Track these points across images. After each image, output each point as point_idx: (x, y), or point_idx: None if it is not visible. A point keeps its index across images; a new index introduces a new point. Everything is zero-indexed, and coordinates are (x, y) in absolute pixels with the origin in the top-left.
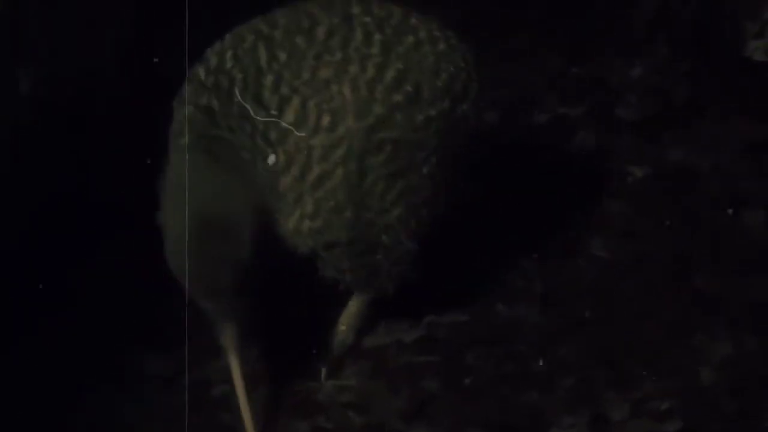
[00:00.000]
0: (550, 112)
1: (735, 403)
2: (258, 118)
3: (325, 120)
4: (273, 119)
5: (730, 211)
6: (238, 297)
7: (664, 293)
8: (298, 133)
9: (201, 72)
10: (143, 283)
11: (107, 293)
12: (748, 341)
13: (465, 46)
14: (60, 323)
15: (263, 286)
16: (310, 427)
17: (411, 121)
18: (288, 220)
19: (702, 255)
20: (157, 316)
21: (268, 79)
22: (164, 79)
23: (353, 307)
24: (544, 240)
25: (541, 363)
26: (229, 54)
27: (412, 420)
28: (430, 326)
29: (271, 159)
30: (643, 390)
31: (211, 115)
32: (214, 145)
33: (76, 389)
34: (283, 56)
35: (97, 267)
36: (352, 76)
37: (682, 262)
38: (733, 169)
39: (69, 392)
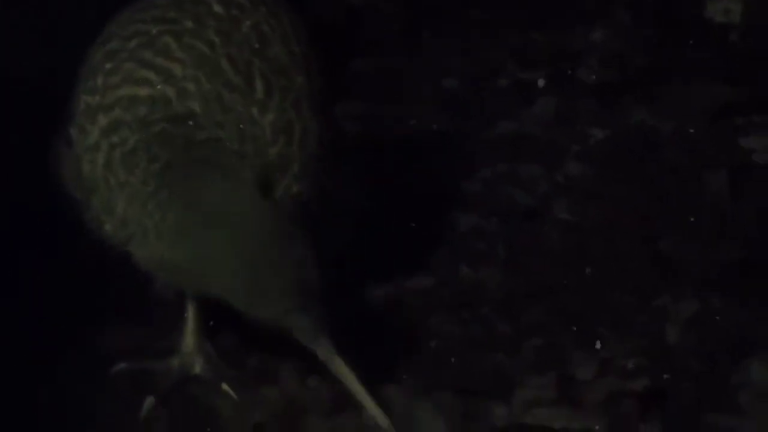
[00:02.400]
0: (510, 77)
1: (701, 362)
2: None
3: None
4: None
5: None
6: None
7: (628, 255)
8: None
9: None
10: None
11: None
12: (713, 301)
13: None
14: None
15: None
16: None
17: None
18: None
19: (666, 217)
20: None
21: None
22: None
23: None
24: (507, 203)
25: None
26: None
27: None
28: (395, 291)
29: None
30: (609, 350)
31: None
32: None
33: (40, 364)
34: None
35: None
36: None
37: (646, 224)
38: (694, 132)
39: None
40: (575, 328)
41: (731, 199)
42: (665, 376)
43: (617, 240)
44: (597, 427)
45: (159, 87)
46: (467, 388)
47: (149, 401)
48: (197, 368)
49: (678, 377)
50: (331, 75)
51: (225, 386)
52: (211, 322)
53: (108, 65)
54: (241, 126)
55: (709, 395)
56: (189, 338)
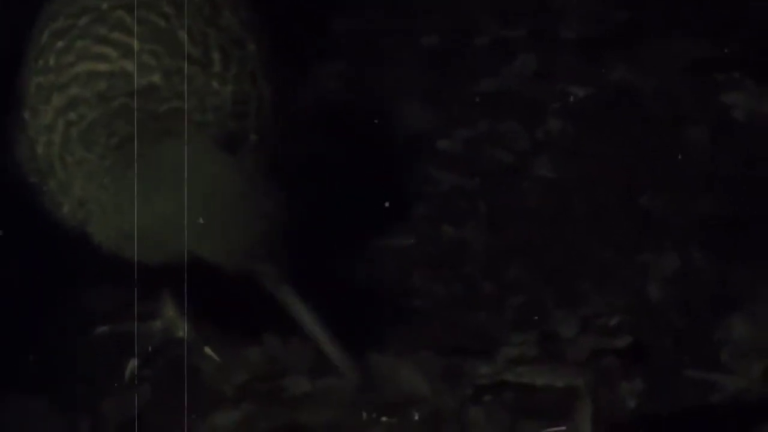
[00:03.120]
0: (490, 35)
1: (683, 318)
2: None
3: None
4: None
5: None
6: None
7: (610, 211)
8: None
9: None
10: None
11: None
12: (694, 257)
13: None
14: None
15: None
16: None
17: None
18: None
19: (647, 173)
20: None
21: None
22: None
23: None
24: (488, 161)
25: None
26: None
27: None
28: (377, 249)
29: None
30: (591, 307)
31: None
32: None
33: (22, 327)
34: None
35: None
36: None
37: (627, 180)
38: (675, 88)
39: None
40: (557, 286)
41: (712, 155)
42: (647, 332)
43: (598, 197)
44: (579, 384)
45: (118, 62)
46: (449, 346)
47: (132, 364)
48: (180, 331)
49: (660, 334)
50: (308, 36)
51: (207, 348)
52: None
53: (59, 44)
54: (204, 98)
55: (691, 351)
56: (171, 301)
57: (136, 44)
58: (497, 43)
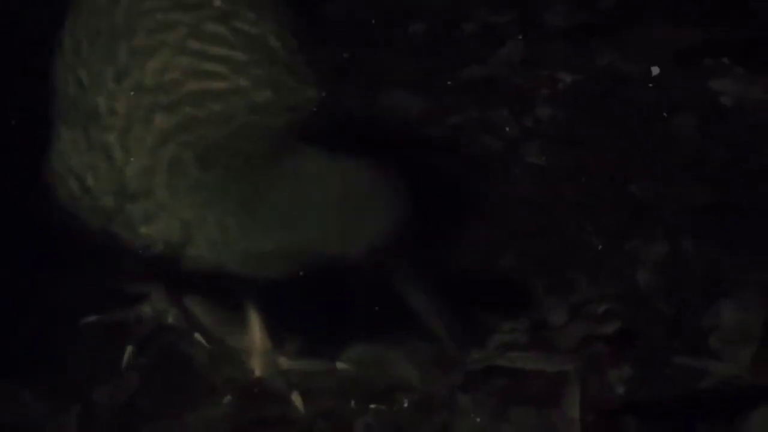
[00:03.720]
0: (479, 21)
1: (672, 305)
2: None
3: None
4: None
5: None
6: None
7: (599, 198)
8: None
9: None
10: None
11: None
12: (683, 244)
13: None
14: None
15: None
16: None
17: None
18: None
19: (636, 160)
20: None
21: None
22: None
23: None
24: (478, 148)
25: None
26: None
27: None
28: None
29: None
30: (581, 294)
31: None
32: None
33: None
34: None
35: None
36: None
37: (616, 167)
38: (664, 74)
39: None
40: (547, 273)
41: (701, 142)
42: (636, 319)
43: (587, 184)
44: (568, 370)
45: (232, 78)
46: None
47: (129, 351)
48: (170, 317)
49: (649, 320)
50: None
51: (197, 336)
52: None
53: (152, 62)
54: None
55: (680, 338)
56: (160, 289)
57: (241, 56)
58: (486, 30)
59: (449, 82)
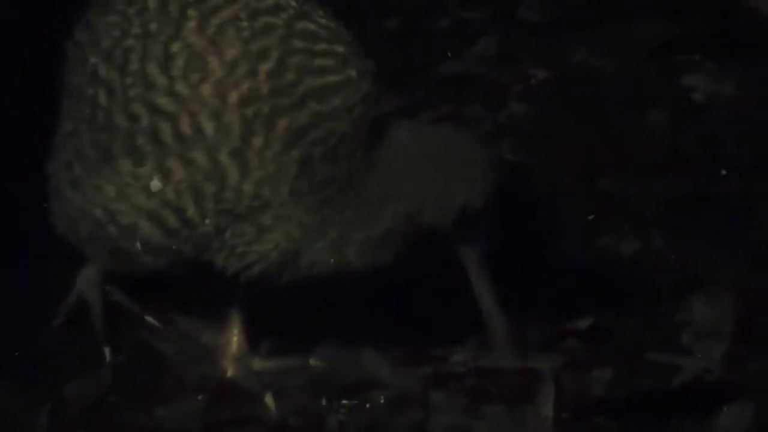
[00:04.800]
0: (452, 17)
1: (644, 300)
2: None
3: None
4: None
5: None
6: None
7: (571, 194)
8: None
9: None
10: None
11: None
12: (655, 239)
13: None
14: None
15: None
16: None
17: None
18: None
19: (608, 156)
20: None
21: None
22: None
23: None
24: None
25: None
26: None
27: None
28: None
29: None
30: (553, 289)
31: None
32: None
33: None
34: None
35: None
36: None
37: (588, 163)
38: (636, 70)
39: None
40: (519, 269)
41: (672, 138)
42: (609, 315)
43: (560, 179)
44: (544, 369)
45: (342, 70)
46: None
47: (107, 351)
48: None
49: (621, 316)
50: None
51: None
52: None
53: (265, 66)
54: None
55: (653, 334)
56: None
57: (340, 48)
58: (459, 26)
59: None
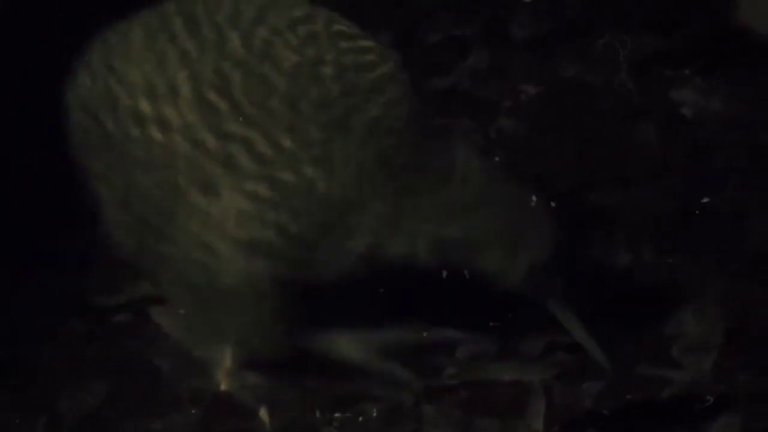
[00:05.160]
0: (443, 32)
1: (635, 314)
2: None
3: None
4: None
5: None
6: None
7: (562, 207)
8: None
9: None
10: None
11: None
12: (645, 252)
13: None
14: None
15: None
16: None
17: None
18: None
19: (598, 170)
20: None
21: None
22: None
23: None
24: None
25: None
26: None
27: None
28: None
29: None
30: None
31: None
32: None
33: None
34: None
35: None
36: None
37: (578, 177)
38: (625, 85)
39: None
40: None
41: (662, 152)
42: (600, 328)
43: (551, 193)
44: (535, 381)
45: (384, 64)
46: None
47: None
48: None
49: (612, 329)
50: None
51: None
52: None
53: (326, 69)
54: None
55: (643, 347)
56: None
57: (372, 44)
58: (450, 41)
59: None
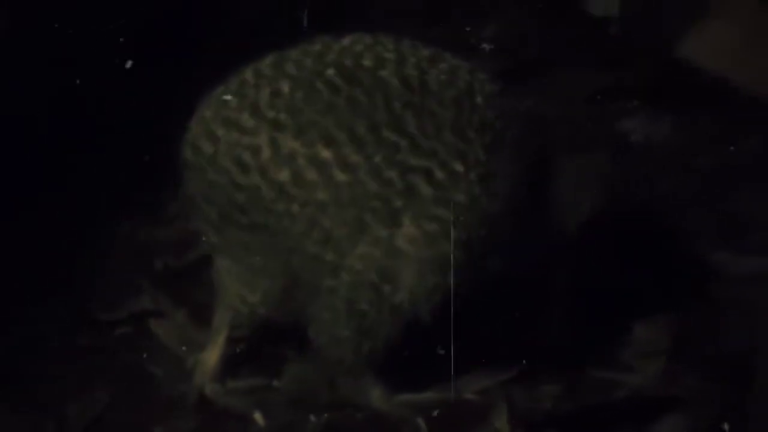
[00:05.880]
0: None
1: (589, 322)
2: None
3: None
4: None
5: None
6: None
7: (517, 224)
8: None
9: None
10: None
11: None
12: (597, 266)
13: None
14: None
15: None
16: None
17: None
18: None
19: (551, 195)
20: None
21: None
22: None
23: None
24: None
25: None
26: None
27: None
28: None
29: None
30: (499, 310)
31: None
32: None
33: None
34: None
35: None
36: None
37: (534, 198)
38: (579, 116)
39: None
40: (470, 290)
41: (611, 176)
42: (557, 336)
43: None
44: (497, 387)
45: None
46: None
47: None
48: None
49: (566, 336)
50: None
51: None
52: None
53: (477, 98)
54: None
55: (597, 353)
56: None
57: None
58: None
59: None
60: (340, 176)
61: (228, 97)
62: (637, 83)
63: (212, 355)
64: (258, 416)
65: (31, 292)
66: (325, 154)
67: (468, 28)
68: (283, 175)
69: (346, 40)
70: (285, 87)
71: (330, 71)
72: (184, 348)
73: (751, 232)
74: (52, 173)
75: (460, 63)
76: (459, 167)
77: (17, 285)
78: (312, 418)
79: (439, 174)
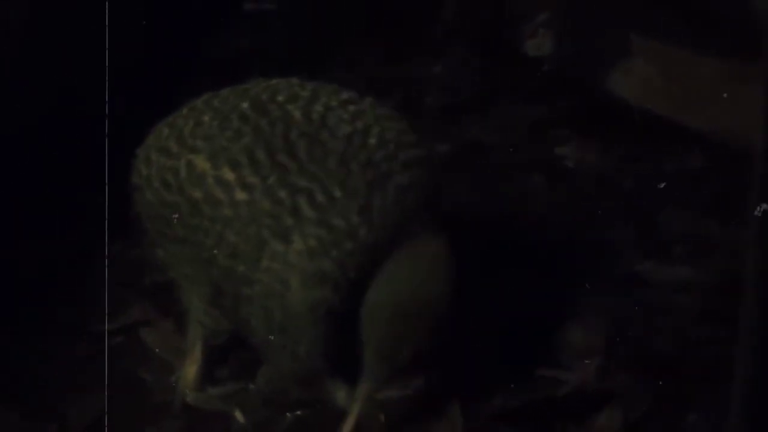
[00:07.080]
0: None
1: (533, 327)
2: None
3: None
4: None
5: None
6: None
7: (464, 242)
8: None
9: None
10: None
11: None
12: (540, 278)
13: None
14: None
15: None
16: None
17: None
18: None
19: (495, 212)
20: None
21: None
22: None
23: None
24: None
25: None
26: None
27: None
28: None
29: None
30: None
31: None
32: None
33: None
34: None
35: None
36: None
37: (479, 217)
38: (517, 143)
39: None
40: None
41: (548, 196)
42: (505, 339)
43: (453, 237)
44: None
45: (422, 147)
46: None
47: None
48: None
49: (515, 340)
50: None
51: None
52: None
53: (371, 140)
54: None
55: (537, 353)
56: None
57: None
58: None
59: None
60: (240, 195)
61: (165, 129)
62: (568, 115)
63: (191, 368)
64: (238, 414)
65: (34, 310)
66: (229, 175)
67: (419, 66)
68: (197, 193)
69: (274, 81)
70: (206, 118)
71: (245, 104)
72: (171, 354)
73: (672, 244)
74: (54, 204)
75: (376, 110)
76: (338, 193)
77: (21, 304)
78: (288, 415)
79: (320, 197)
